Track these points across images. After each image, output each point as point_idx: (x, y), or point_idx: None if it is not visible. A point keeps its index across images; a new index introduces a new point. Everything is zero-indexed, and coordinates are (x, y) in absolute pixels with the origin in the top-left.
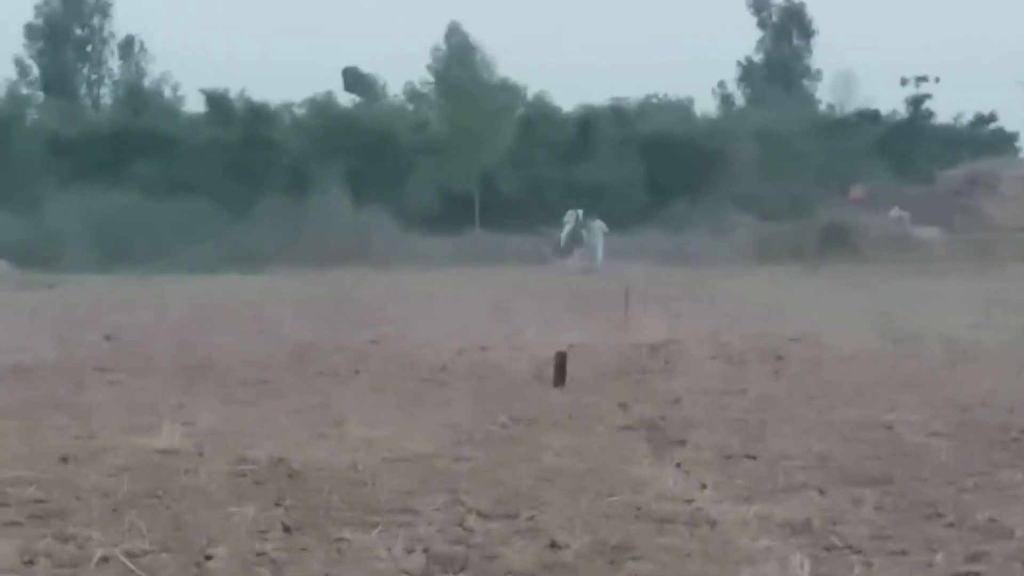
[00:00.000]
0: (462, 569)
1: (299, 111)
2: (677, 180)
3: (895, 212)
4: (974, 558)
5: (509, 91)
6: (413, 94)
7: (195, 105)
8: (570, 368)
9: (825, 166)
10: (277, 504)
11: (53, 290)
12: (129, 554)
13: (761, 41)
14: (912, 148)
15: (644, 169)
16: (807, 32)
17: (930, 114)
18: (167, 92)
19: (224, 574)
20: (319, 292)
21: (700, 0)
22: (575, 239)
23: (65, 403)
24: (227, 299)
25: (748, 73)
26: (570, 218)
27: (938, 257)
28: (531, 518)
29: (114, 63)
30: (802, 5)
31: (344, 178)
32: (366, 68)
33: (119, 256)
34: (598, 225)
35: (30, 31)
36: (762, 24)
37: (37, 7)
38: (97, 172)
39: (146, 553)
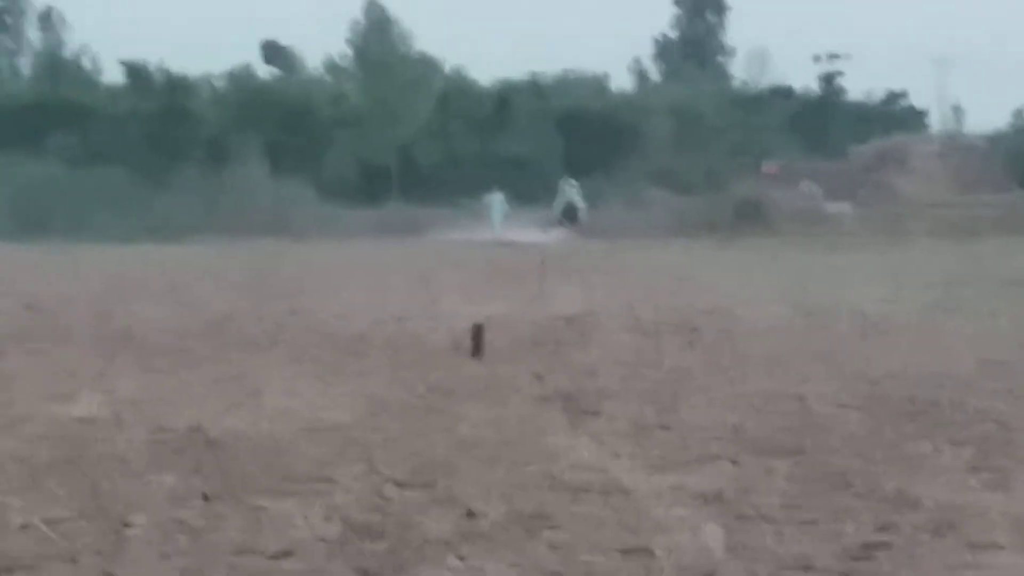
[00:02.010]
0: (379, 537)
1: (218, 83)
2: (593, 154)
3: (805, 186)
4: (883, 528)
5: (427, 65)
6: (331, 67)
7: (114, 76)
8: (487, 339)
9: (739, 141)
10: (195, 472)
11: None
12: (48, 521)
13: (676, 18)
14: (824, 124)
15: (561, 143)
16: (721, 9)
17: (842, 91)
18: (86, 63)
19: (143, 541)
20: (237, 263)
21: None
22: (571, 210)
23: None
24: (146, 269)
25: (663, 49)
26: (563, 187)
27: (849, 231)
28: (448, 487)
29: (33, 34)
30: None
31: (263, 150)
32: (284, 41)
33: (38, 226)
34: (498, 198)
35: None
36: (677, 1)
37: None
38: (16, 143)
39: (64, 520)
